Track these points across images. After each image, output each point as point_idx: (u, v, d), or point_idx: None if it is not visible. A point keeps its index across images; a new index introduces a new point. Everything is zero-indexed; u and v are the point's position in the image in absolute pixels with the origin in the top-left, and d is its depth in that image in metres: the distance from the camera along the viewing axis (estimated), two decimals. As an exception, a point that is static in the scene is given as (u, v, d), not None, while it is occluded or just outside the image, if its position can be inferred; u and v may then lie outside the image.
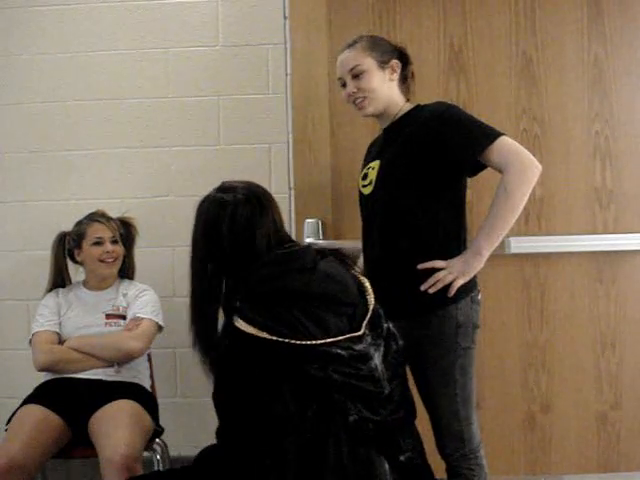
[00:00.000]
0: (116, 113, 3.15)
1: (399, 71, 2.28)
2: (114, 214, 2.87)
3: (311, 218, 2.87)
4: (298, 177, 2.90)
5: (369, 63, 2.24)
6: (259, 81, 3.11)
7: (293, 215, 2.97)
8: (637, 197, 2.93)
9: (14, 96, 3.17)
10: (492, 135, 2.11)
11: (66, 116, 3.16)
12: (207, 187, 3.12)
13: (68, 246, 2.78)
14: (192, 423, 3.13)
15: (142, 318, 2.67)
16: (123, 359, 2.61)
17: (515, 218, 2.13)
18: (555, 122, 2.93)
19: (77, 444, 2.48)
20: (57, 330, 2.66)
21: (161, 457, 2.61)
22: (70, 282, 2.82)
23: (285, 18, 3.05)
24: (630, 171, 2.93)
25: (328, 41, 2.91)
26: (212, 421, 3.24)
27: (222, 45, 3.14)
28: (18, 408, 2.51)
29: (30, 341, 2.66)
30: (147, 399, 2.62)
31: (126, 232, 2.84)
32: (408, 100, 2.32)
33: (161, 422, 2.70)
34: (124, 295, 2.74)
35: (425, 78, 2.94)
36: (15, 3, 3.16)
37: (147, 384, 2.71)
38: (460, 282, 2.13)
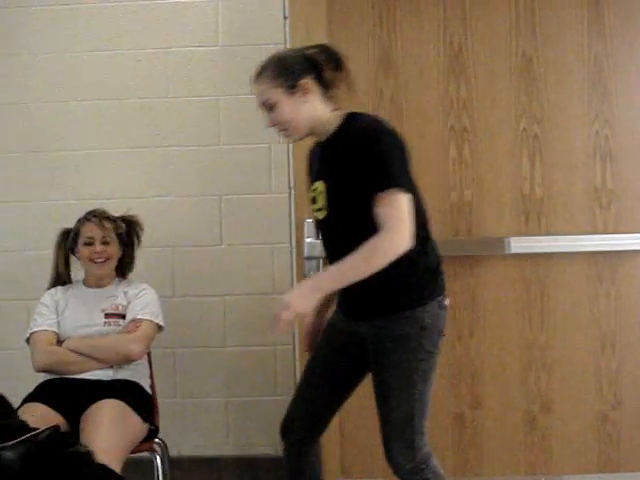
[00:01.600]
0: (116, 113, 3.15)
1: (317, 86, 2.12)
2: (114, 214, 2.86)
3: (311, 218, 2.87)
4: (298, 177, 2.90)
5: (277, 94, 2.10)
6: (259, 81, 3.11)
7: (293, 215, 2.97)
8: (637, 197, 2.93)
9: (14, 96, 3.17)
10: (393, 183, 2.00)
11: (66, 116, 3.16)
12: (207, 187, 3.15)
13: (69, 244, 2.78)
14: (192, 423, 3.13)
15: (142, 320, 2.66)
16: (122, 362, 2.61)
17: (369, 272, 1.99)
18: (555, 122, 2.93)
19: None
20: (55, 329, 2.65)
21: (161, 457, 2.61)
22: (70, 280, 2.82)
23: (285, 18, 3.05)
24: (630, 171, 2.93)
25: (328, 41, 2.90)
26: (212, 421, 3.23)
27: (222, 45, 3.14)
28: (19, 407, 2.51)
29: (28, 340, 2.66)
30: (142, 398, 2.61)
31: (128, 230, 2.81)
32: (337, 109, 2.16)
33: (161, 422, 2.70)
34: (124, 293, 2.73)
35: (425, 78, 2.94)
36: (15, 3, 3.16)
37: (145, 383, 2.71)
38: (290, 316, 1.98)
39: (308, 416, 2.30)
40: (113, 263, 2.75)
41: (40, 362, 2.58)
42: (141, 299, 2.71)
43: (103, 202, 3.03)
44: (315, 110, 2.13)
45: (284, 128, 2.16)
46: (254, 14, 3.11)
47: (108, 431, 2.35)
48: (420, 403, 2.11)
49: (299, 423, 2.30)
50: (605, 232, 2.91)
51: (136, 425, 2.51)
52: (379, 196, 2.00)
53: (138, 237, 2.84)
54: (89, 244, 2.70)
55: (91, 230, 2.71)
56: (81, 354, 2.58)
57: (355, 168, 2.04)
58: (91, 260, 2.70)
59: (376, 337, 2.12)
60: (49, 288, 2.78)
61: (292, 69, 2.11)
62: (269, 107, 2.14)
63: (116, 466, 2.27)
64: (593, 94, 2.92)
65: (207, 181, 3.15)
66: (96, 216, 2.74)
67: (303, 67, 2.12)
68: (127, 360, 2.60)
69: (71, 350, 2.59)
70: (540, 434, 2.94)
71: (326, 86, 2.14)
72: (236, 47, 3.12)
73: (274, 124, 2.16)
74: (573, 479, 2.94)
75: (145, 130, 3.15)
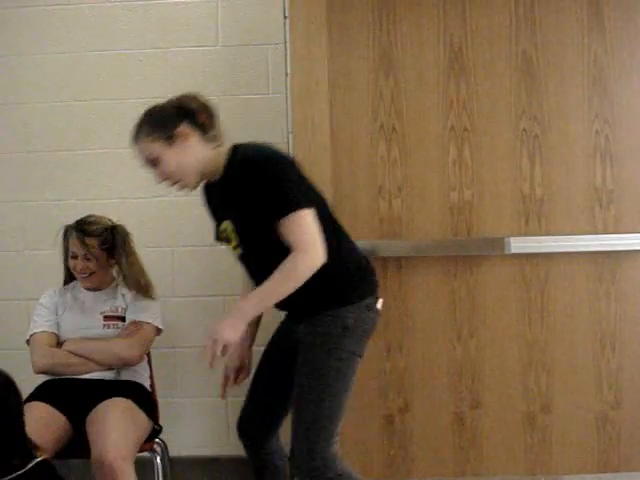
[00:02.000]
0: (116, 113, 3.14)
1: (194, 130, 2.13)
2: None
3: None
4: (298, 177, 2.90)
5: (157, 148, 2.12)
6: (259, 81, 3.11)
7: (293, 215, 2.97)
8: (637, 197, 2.93)
9: (14, 96, 3.17)
10: (292, 207, 2.03)
11: (66, 116, 3.16)
12: (207, 187, 3.14)
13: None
14: (192, 423, 3.13)
15: (142, 322, 2.66)
16: (120, 366, 2.61)
17: (288, 292, 2.05)
18: (555, 122, 2.93)
19: (77, 443, 2.47)
20: (55, 331, 2.65)
21: (161, 457, 2.61)
22: (74, 277, 2.81)
23: (285, 18, 3.05)
24: (630, 171, 2.93)
25: (328, 41, 2.91)
26: (212, 421, 3.23)
27: (222, 45, 3.13)
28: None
29: (28, 341, 2.66)
30: (145, 397, 2.62)
31: (114, 241, 2.70)
32: (220, 145, 2.18)
33: (161, 422, 2.70)
34: (123, 295, 2.73)
35: (425, 78, 2.94)
36: (15, 3, 3.16)
37: (146, 383, 2.71)
38: (219, 348, 2.01)
39: (258, 415, 2.35)
40: (98, 276, 2.71)
41: (39, 363, 2.59)
42: (141, 302, 2.70)
43: (103, 202, 3.04)
44: (199, 153, 2.14)
45: (175, 180, 2.17)
46: (254, 14, 3.11)
47: (119, 429, 2.36)
48: (331, 405, 2.09)
49: (251, 422, 2.35)
50: (605, 232, 2.91)
51: (144, 423, 2.53)
52: (283, 222, 2.03)
53: (126, 245, 2.73)
54: (74, 257, 2.69)
55: (74, 245, 2.68)
56: (79, 355, 2.58)
57: (253, 201, 2.08)
58: (76, 271, 2.70)
59: (303, 337, 2.17)
60: (64, 285, 2.78)
61: (166, 120, 2.13)
62: (153, 163, 2.15)
63: (129, 464, 2.29)
64: (593, 94, 2.92)
65: (207, 181, 3.14)
66: (80, 231, 2.68)
67: (177, 115, 2.14)
68: (126, 364, 2.60)
69: (70, 352, 2.59)
70: (540, 434, 2.94)
71: (204, 128, 2.15)
72: (236, 47, 3.12)
73: (163, 178, 2.17)
74: (573, 479, 2.94)
75: (145, 130, 3.14)
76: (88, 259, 2.67)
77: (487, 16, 2.93)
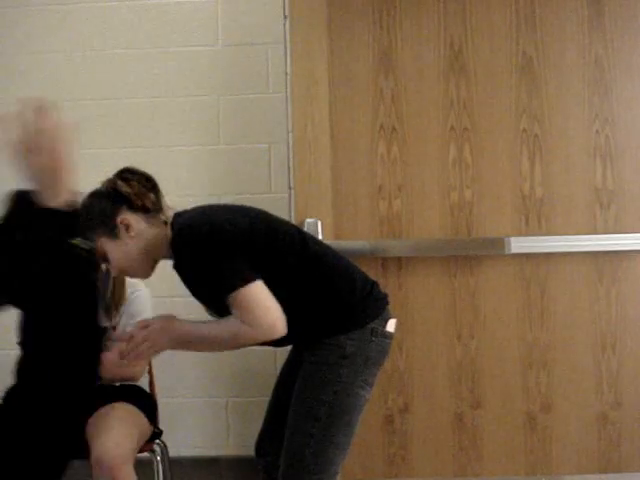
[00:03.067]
0: (116, 113, 3.15)
1: (135, 214, 2.03)
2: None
3: (311, 218, 2.87)
4: (298, 177, 2.90)
5: (103, 243, 2.02)
6: (259, 81, 3.11)
7: (293, 215, 2.97)
8: (637, 197, 2.93)
9: (14, 96, 3.16)
10: (227, 289, 1.93)
11: (66, 116, 3.15)
12: (207, 187, 3.14)
13: None
14: (192, 423, 3.13)
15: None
16: (124, 381, 2.63)
17: (219, 350, 2.13)
18: (555, 122, 2.92)
19: (77, 446, 2.47)
20: None
21: (161, 458, 2.61)
22: None
23: (285, 18, 3.05)
24: (630, 171, 2.93)
25: (328, 41, 2.91)
26: (212, 421, 3.23)
27: (222, 45, 3.13)
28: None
29: None
30: (145, 401, 2.62)
31: None
32: (165, 222, 2.07)
33: (161, 422, 2.70)
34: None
35: (425, 78, 2.94)
36: (15, 3, 3.16)
37: (145, 385, 2.71)
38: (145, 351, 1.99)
39: (275, 435, 2.17)
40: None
41: None
42: (135, 306, 2.68)
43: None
44: (147, 237, 2.05)
45: (128, 272, 2.12)
46: (254, 14, 3.11)
47: (119, 431, 2.36)
48: (319, 442, 1.96)
49: (270, 441, 2.21)
50: (605, 232, 2.91)
51: (144, 426, 2.53)
52: (227, 300, 1.94)
53: None
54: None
55: None
56: None
57: (199, 284, 2.03)
58: None
59: (304, 364, 2.06)
60: None
61: (107, 213, 2.03)
62: (104, 258, 2.05)
63: (128, 465, 2.29)
64: (593, 94, 2.92)
65: (207, 181, 3.15)
66: None
67: (113, 205, 2.04)
68: (130, 381, 2.63)
69: None
70: (540, 434, 2.94)
71: (145, 210, 2.05)
72: (236, 47, 3.12)
73: (117, 272, 2.10)
74: (573, 479, 2.93)
75: (145, 130, 3.15)
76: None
77: (487, 16, 2.93)
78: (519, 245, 2.85)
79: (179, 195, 3.14)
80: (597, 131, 2.92)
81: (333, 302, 2.05)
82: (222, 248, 1.95)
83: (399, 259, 2.92)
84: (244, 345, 2.00)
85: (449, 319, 2.94)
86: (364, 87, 2.94)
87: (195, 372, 3.13)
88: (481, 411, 2.93)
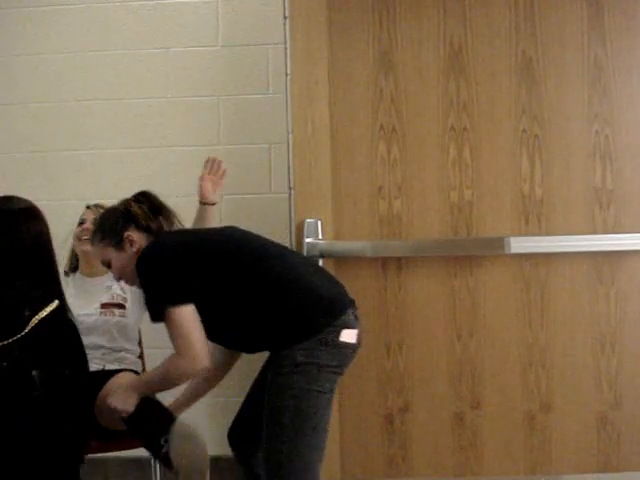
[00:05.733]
0: (116, 113, 3.15)
1: (139, 233, 2.33)
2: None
3: (311, 218, 2.87)
4: (298, 177, 2.90)
5: (108, 252, 2.34)
6: (259, 81, 3.12)
7: (293, 215, 2.97)
8: (637, 197, 2.93)
9: (14, 96, 3.17)
10: (157, 312, 2.18)
11: (66, 116, 3.16)
12: (207, 187, 3.14)
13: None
14: (192, 423, 3.13)
15: None
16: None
17: (170, 387, 2.31)
18: (555, 122, 2.92)
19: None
20: None
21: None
22: (77, 268, 2.90)
23: (285, 18, 3.05)
24: (630, 171, 2.93)
25: (328, 41, 2.91)
26: (212, 421, 3.23)
27: (222, 45, 3.14)
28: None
29: None
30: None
31: None
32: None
33: (161, 422, 2.71)
34: (119, 282, 2.80)
35: (425, 78, 2.94)
36: (16, 3, 3.16)
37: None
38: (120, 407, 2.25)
39: (245, 431, 2.39)
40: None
41: None
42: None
43: (103, 202, 3.03)
44: None
45: (126, 279, 2.37)
46: (254, 14, 3.11)
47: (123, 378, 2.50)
48: (292, 447, 2.08)
49: (239, 435, 2.42)
50: (605, 232, 2.91)
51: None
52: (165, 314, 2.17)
53: None
54: (81, 223, 2.84)
55: (85, 214, 2.86)
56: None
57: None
58: (79, 239, 2.81)
59: (267, 376, 2.20)
60: (65, 274, 2.87)
61: (114, 227, 2.34)
62: (107, 264, 2.37)
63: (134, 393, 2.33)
64: (593, 94, 2.92)
65: (207, 181, 3.14)
66: (97, 206, 2.85)
67: (124, 222, 2.34)
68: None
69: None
70: (540, 434, 2.94)
71: (149, 231, 2.35)
72: (236, 47, 3.13)
73: (118, 277, 2.40)
74: (573, 479, 2.94)
75: (145, 130, 3.15)
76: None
77: (487, 16, 2.93)
78: (519, 245, 2.85)
79: (179, 195, 3.15)
80: (597, 131, 2.93)
81: (282, 316, 2.17)
82: (161, 268, 2.19)
83: (399, 259, 2.93)
84: (179, 378, 2.24)
85: (449, 319, 2.94)
86: (364, 87, 2.94)
87: (195, 372, 3.13)
88: (481, 411, 2.94)
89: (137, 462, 2.56)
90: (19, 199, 2.18)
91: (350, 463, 2.91)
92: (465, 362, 2.93)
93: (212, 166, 2.76)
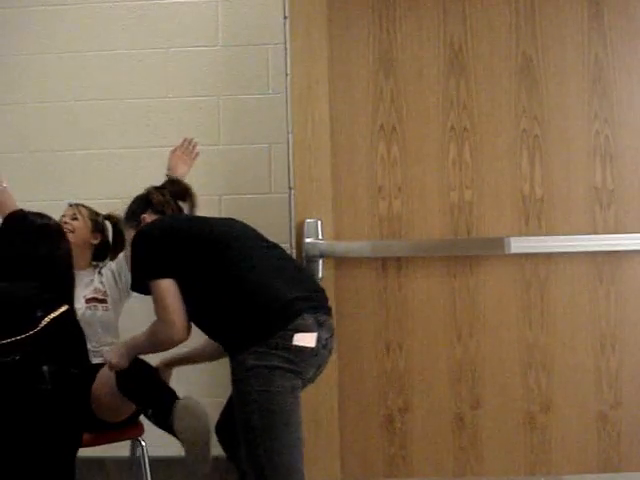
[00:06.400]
0: (116, 113, 3.15)
1: (152, 215, 2.51)
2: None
3: (311, 218, 2.87)
4: (298, 177, 2.90)
5: (130, 233, 2.52)
6: (259, 81, 3.12)
7: (293, 215, 2.97)
8: (637, 197, 2.93)
9: (14, 96, 3.17)
10: (144, 279, 2.31)
11: (66, 116, 3.16)
12: (207, 187, 3.14)
13: None
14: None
15: None
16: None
17: (154, 351, 2.45)
18: (555, 122, 2.92)
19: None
20: None
21: (141, 456, 2.64)
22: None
23: (285, 18, 3.05)
24: (630, 171, 2.93)
25: (328, 41, 2.91)
26: (212, 421, 3.22)
27: (222, 45, 3.14)
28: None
29: None
30: None
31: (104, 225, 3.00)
32: None
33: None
34: (99, 275, 2.88)
35: (425, 78, 2.94)
36: (15, 3, 3.16)
37: None
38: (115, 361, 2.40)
39: (229, 427, 2.40)
40: (78, 238, 2.86)
41: None
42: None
43: (103, 202, 3.04)
44: None
45: None
46: (254, 14, 3.11)
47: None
48: (268, 448, 2.12)
49: (224, 431, 2.47)
50: (605, 232, 2.91)
51: None
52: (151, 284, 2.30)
53: (117, 233, 2.96)
54: (63, 217, 2.90)
55: (66, 211, 2.94)
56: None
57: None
58: None
59: None
60: None
61: (134, 211, 2.56)
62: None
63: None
64: (593, 94, 2.92)
65: (207, 181, 3.15)
66: (77, 205, 2.97)
67: (141, 206, 2.56)
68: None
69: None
70: (540, 434, 2.94)
71: (162, 213, 2.53)
72: (236, 47, 3.13)
73: None
74: (573, 479, 2.94)
75: (145, 130, 3.15)
76: (75, 219, 2.92)
77: (487, 16, 2.93)
78: (519, 245, 2.85)
79: (179, 195, 3.15)
80: (597, 131, 2.93)
81: (236, 318, 2.23)
82: (147, 245, 2.34)
83: (399, 259, 2.93)
84: (162, 342, 2.32)
85: (449, 319, 2.94)
86: (364, 87, 2.94)
87: (195, 372, 3.13)
88: (481, 411, 2.94)
89: (124, 462, 2.56)
90: (48, 217, 2.37)
91: (350, 463, 2.91)
92: (465, 362, 2.93)
93: (186, 145, 2.94)
